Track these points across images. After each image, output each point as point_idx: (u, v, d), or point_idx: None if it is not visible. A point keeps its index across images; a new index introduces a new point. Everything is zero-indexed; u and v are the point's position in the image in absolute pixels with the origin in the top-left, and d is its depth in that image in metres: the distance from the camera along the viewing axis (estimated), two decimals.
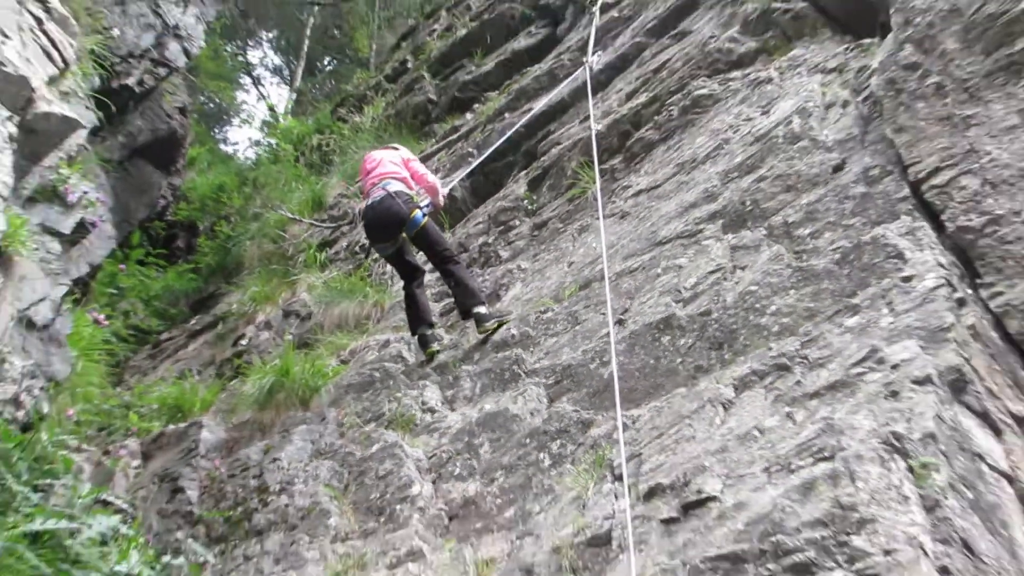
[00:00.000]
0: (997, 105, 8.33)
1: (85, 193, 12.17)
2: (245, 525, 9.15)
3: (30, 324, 10.60)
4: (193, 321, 15.26)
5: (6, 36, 9.14)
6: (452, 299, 10.62)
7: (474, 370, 9.64)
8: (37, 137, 9.81)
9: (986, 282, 7.72)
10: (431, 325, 10.51)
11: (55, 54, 10.09)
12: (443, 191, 11.63)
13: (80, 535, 8.24)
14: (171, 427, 10.97)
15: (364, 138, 16.41)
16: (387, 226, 10.46)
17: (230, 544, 9.04)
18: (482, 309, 10.15)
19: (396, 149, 11.48)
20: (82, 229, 12.28)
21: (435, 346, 10.36)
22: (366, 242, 12.05)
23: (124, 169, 16.87)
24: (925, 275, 7.43)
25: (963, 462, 6.07)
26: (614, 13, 14.14)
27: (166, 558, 8.71)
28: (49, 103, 9.72)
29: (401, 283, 11.03)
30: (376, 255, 11.63)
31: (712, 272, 8.66)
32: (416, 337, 10.54)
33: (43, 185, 11.30)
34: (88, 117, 10.79)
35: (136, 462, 10.51)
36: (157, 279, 16.51)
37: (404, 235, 10.49)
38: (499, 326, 10.03)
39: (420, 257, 11.22)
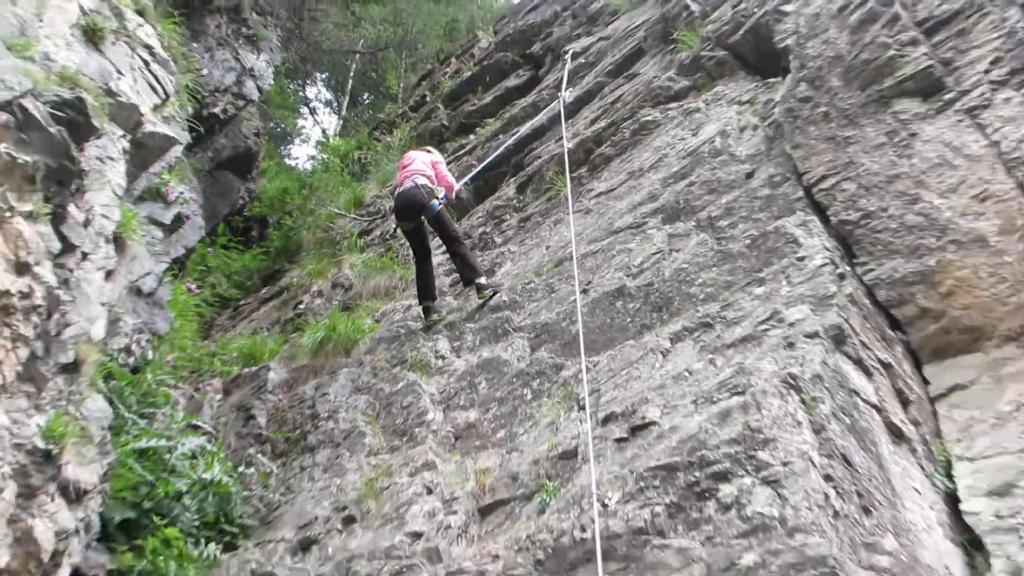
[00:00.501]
0: (869, 128, 8.47)
1: (181, 193, 12.23)
2: (301, 443, 9.28)
3: (139, 292, 10.69)
4: (263, 291, 15.27)
5: (120, 73, 9.26)
6: (458, 275, 10.68)
7: (474, 327, 9.77)
8: (144, 151, 9.89)
9: (860, 261, 7.88)
10: (434, 299, 10.54)
11: (158, 88, 10.18)
12: (457, 187, 11.69)
13: (175, 451, 8.39)
14: (246, 370, 11.06)
15: (393, 154, 16.49)
16: (411, 209, 10.54)
17: (289, 458, 9.19)
18: (481, 280, 10.27)
19: (429, 152, 11.56)
20: (179, 221, 12.35)
21: (434, 316, 10.43)
22: (394, 221, 12.06)
23: (211, 176, 16.97)
24: (814, 256, 7.58)
25: (842, 397, 6.23)
26: (581, 59, 14.20)
27: (241, 468, 8.87)
28: (154, 124, 9.81)
29: (416, 261, 11.01)
30: (401, 238, 11.59)
31: (654, 254, 8.80)
32: (421, 307, 10.58)
33: (149, 187, 11.38)
34: (184, 136, 10.88)
35: (219, 396, 10.62)
36: (236, 259, 16.54)
37: (423, 218, 10.53)
38: (493, 294, 10.15)
39: (434, 242, 11.24)
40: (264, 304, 14.33)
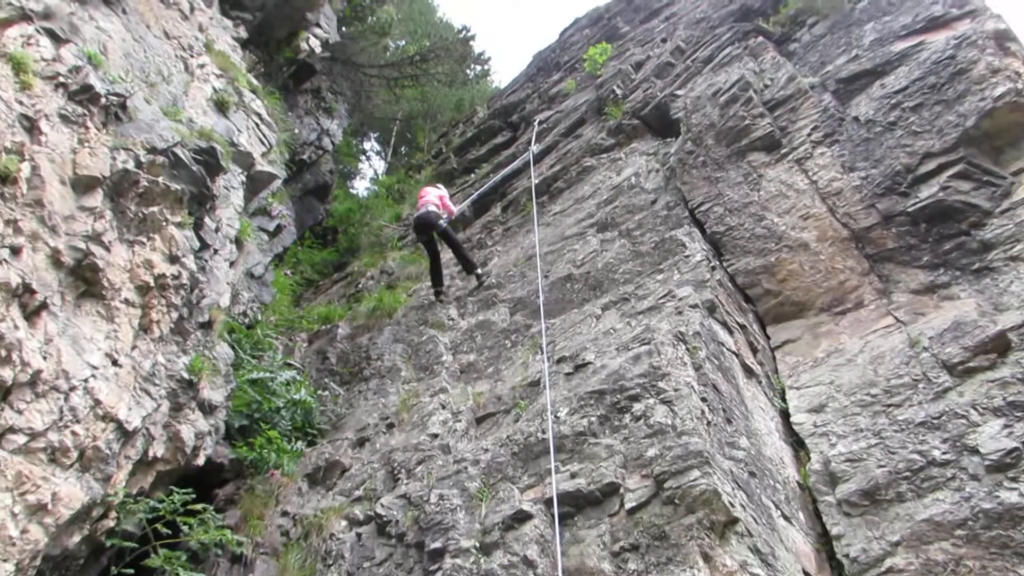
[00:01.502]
0: (732, 171, 8.48)
1: (280, 211, 12.14)
2: (359, 376, 9.24)
3: (252, 275, 10.61)
4: (334, 275, 15.16)
5: (239, 131, 9.17)
6: (461, 267, 10.58)
7: (473, 299, 9.73)
8: (255, 183, 9.79)
9: (726, 258, 7.88)
10: (441, 284, 10.39)
11: (264, 141, 10.07)
12: (456, 211, 11.61)
13: (276, 380, 8.30)
14: (323, 327, 10.97)
15: (421, 185, 16.39)
16: (423, 227, 10.45)
17: (351, 385, 9.14)
18: (478, 270, 10.20)
19: (437, 188, 11.46)
20: (279, 229, 12.25)
21: (441, 296, 10.28)
22: (413, 235, 12.01)
23: (300, 200, 16.83)
24: (696, 254, 7.56)
25: (714, 346, 6.21)
26: (545, 125, 14.11)
27: (319, 392, 8.80)
28: (262, 165, 9.71)
29: (429, 261, 10.92)
30: (419, 243, 11.54)
31: (591, 252, 8.78)
32: (433, 290, 10.45)
33: (259, 206, 11.28)
34: (282, 173, 10.77)
35: (305, 344, 10.54)
36: (317, 254, 16.41)
37: (434, 233, 10.45)
38: (486, 278, 10.06)
39: (443, 249, 11.14)
40: (335, 284, 14.25)
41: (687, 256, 7.58)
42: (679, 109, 10.10)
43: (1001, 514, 4.66)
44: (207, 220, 7.50)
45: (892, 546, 4.86)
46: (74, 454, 5.15)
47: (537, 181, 11.77)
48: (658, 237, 8.21)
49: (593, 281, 8.21)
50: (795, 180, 7.93)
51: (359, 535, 5.80)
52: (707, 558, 4.25)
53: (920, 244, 6.96)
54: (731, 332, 6.77)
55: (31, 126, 5.65)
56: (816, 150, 7.99)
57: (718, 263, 7.69)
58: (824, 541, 5.24)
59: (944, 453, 5.14)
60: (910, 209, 7.06)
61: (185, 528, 5.58)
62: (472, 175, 15.69)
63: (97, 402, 5.39)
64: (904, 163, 7.26)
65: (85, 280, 5.71)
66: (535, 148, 13.28)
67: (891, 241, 7.12)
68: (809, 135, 8.16)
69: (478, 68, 27.33)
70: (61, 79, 6.07)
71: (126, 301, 6.01)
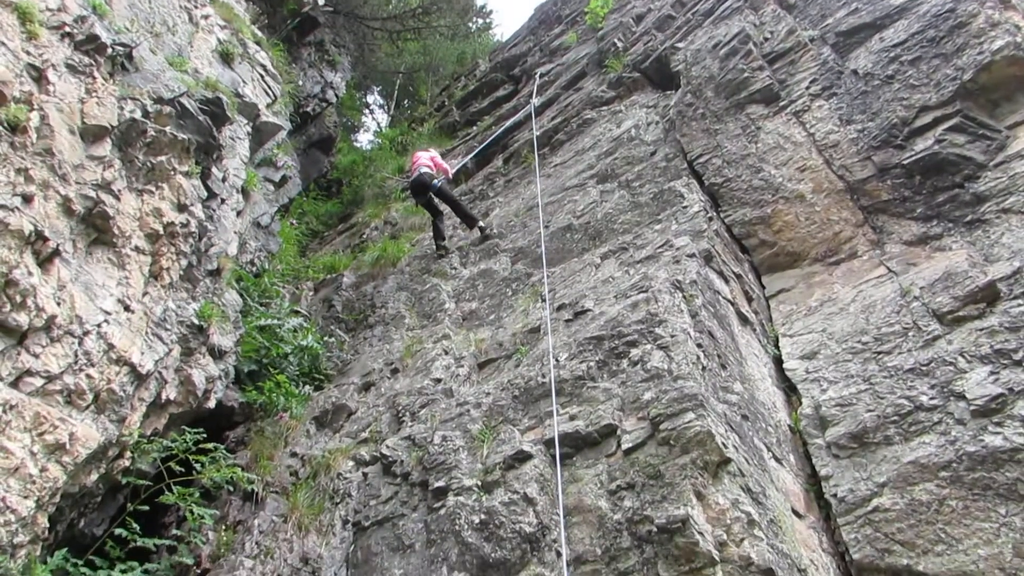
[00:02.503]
0: (731, 124, 8.39)
1: (285, 162, 12.06)
2: (364, 323, 9.27)
3: (259, 225, 10.57)
4: (339, 226, 15.08)
5: (244, 82, 9.09)
6: (462, 222, 10.50)
7: (476, 250, 9.71)
8: (261, 133, 9.72)
9: (723, 209, 7.83)
10: (443, 238, 10.31)
11: (269, 92, 9.97)
12: (451, 171, 11.47)
13: (283, 327, 8.33)
14: (329, 276, 10.96)
15: (423, 139, 16.20)
16: (420, 189, 10.37)
17: (356, 332, 9.18)
18: (480, 223, 10.13)
19: (427, 150, 11.35)
20: (284, 180, 12.19)
21: (442, 251, 10.21)
22: (411, 198, 11.86)
23: (305, 153, 16.66)
24: (693, 205, 7.51)
25: (710, 294, 6.20)
26: (546, 78, 13.92)
27: (325, 338, 8.83)
28: (267, 116, 9.63)
29: (431, 219, 10.81)
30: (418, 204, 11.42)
31: (591, 203, 8.73)
32: (435, 245, 10.38)
33: (265, 157, 11.20)
34: (286, 124, 10.69)
35: (311, 293, 10.55)
36: (322, 206, 16.31)
37: (431, 193, 10.35)
38: (489, 231, 10.02)
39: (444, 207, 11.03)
40: (340, 235, 14.20)
41: (685, 207, 7.55)
42: (679, 62, 9.95)
43: (984, 457, 4.71)
44: (214, 170, 7.45)
45: (879, 487, 4.93)
46: (89, 396, 5.20)
47: (538, 133, 11.67)
48: (657, 188, 8.16)
49: (593, 231, 8.18)
50: (793, 132, 7.87)
51: (365, 475, 5.88)
52: (700, 496, 4.31)
53: (914, 196, 6.93)
54: (727, 281, 6.78)
55: (39, 76, 5.58)
56: (814, 103, 7.90)
57: (715, 214, 7.66)
58: (813, 482, 5.31)
59: (931, 399, 5.18)
60: (905, 162, 7.02)
61: (197, 467, 5.66)
62: (474, 128, 15.55)
63: (111, 346, 5.42)
64: (901, 116, 7.18)
65: (96, 228, 5.70)
66: (536, 101, 13.14)
67: (885, 193, 7.09)
68: (807, 88, 8.06)
69: (480, 21, 26.91)
70: (67, 29, 5.98)
71: (136, 249, 6.00)
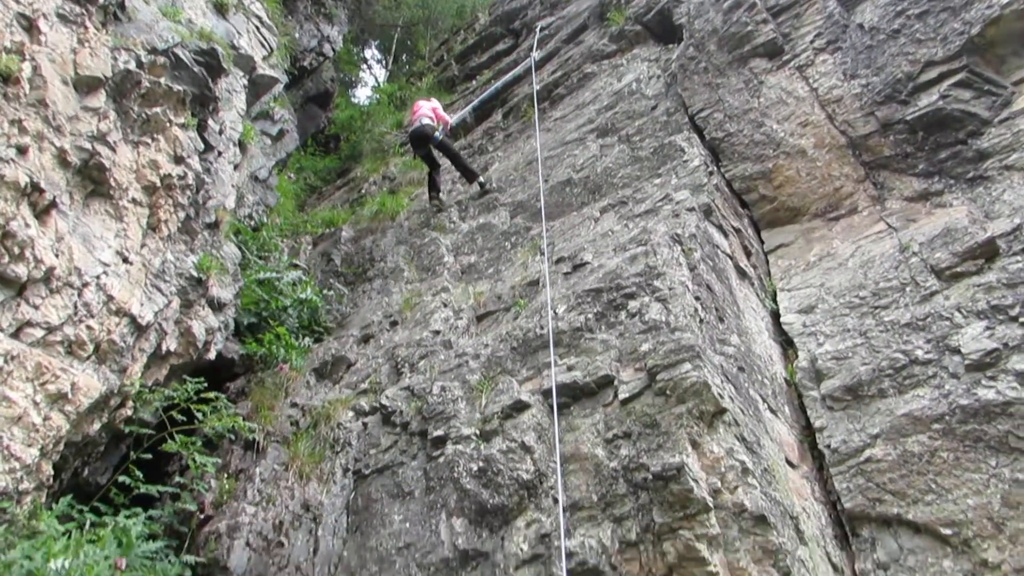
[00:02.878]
0: (733, 78, 8.32)
1: (282, 115, 11.94)
2: (363, 276, 9.27)
3: (256, 178, 10.53)
4: (338, 181, 15.00)
5: (240, 34, 8.95)
6: (462, 176, 10.41)
7: (475, 204, 9.66)
8: (257, 86, 9.60)
9: (723, 164, 7.81)
10: (439, 192, 10.18)
11: (265, 45, 9.83)
12: (452, 122, 11.31)
13: (282, 280, 8.34)
14: (327, 230, 10.90)
15: (421, 93, 16.01)
16: (420, 140, 10.24)
17: (355, 285, 9.18)
18: (480, 178, 10.04)
19: (429, 100, 11.18)
20: (281, 134, 12.08)
21: (436, 204, 10.11)
22: (410, 149, 11.69)
23: (302, 108, 16.50)
24: (694, 159, 7.48)
25: (708, 248, 6.22)
26: (547, 32, 13.71)
27: (324, 292, 8.83)
28: (263, 69, 9.51)
29: (428, 172, 10.70)
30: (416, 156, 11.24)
31: (590, 157, 8.67)
32: (429, 199, 10.28)
33: (262, 110, 11.10)
34: (283, 77, 10.53)
35: (310, 247, 10.51)
36: (319, 161, 16.20)
37: (431, 145, 10.24)
38: (489, 185, 9.94)
39: (442, 160, 10.93)
40: (338, 190, 14.11)
41: (685, 161, 7.51)
42: (682, 15, 9.81)
43: (977, 410, 4.77)
44: (210, 122, 7.40)
45: (872, 438, 5.00)
46: (90, 347, 5.24)
47: (538, 87, 11.54)
48: (657, 142, 8.11)
49: (592, 185, 8.15)
50: (796, 87, 7.80)
51: (365, 424, 5.96)
52: (695, 445, 4.38)
53: (916, 152, 6.91)
54: (726, 235, 6.78)
55: (29, 25, 5.51)
56: (818, 57, 7.82)
57: (716, 168, 7.63)
58: (807, 433, 5.38)
59: (927, 353, 5.23)
60: (909, 117, 6.97)
61: (199, 416, 5.73)
62: (473, 82, 15.36)
63: (110, 298, 5.45)
64: (905, 71, 7.11)
65: (92, 180, 5.68)
66: (536, 55, 12.96)
67: (888, 149, 7.06)
68: (812, 42, 7.96)
69: None
70: None
71: (133, 201, 5.99)
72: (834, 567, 4.50)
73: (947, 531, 4.42)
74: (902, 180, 6.91)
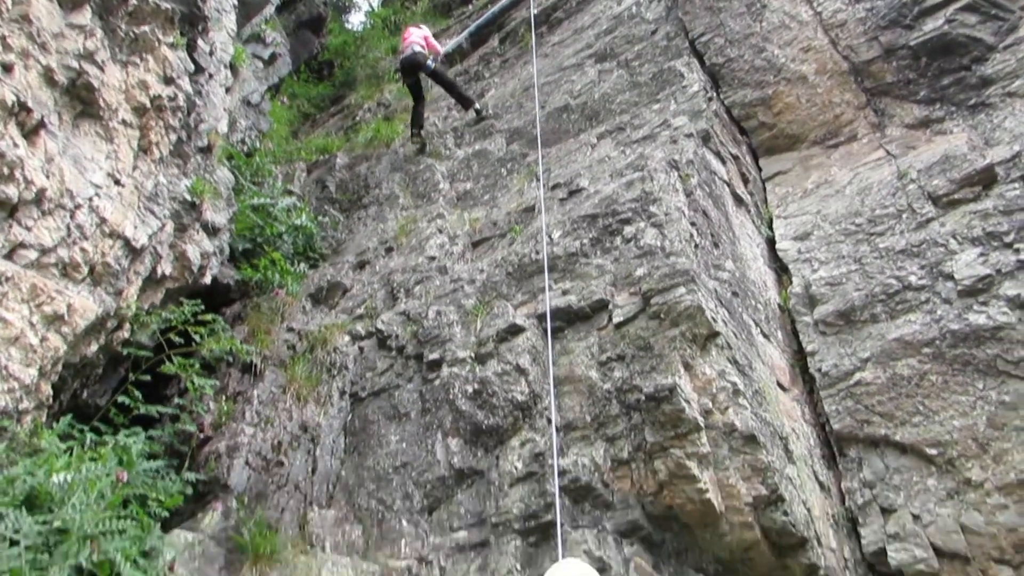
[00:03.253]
0: (735, 2, 8.24)
1: (274, 38, 11.66)
2: (358, 203, 9.21)
3: (248, 103, 10.32)
4: (332, 108, 14.74)
5: None
6: (457, 103, 10.19)
7: (471, 131, 9.53)
8: (247, 7, 9.40)
9: (723, 90, 7.71)
10: (421, 127, 9.99)
11: None
12: (442, 51, 11.02)
13: (276, 206, 8.26)
14: (322, 157, 10.74)
15: (416, 17, 15.61)
16: (411, 68, 9.99)
17: (350, 212, 9.13)
18: (476, 105, 9.85)
19: (420, 28, 10.87)
20: (273, 57, 11.81)
21: (416, 141, 9.87)
22: (399, 77, 11.37)
23: (295, 33, 16.04)
24: (693, 85, 7.37)
25: (706, 174, 6.19)
26: None
27: (319, 218, 8.77)
28: None
29: (413, 103, 10.46)
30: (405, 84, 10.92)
31: (588, 82, 8.54)
32: (410, 132, 10.07)
33: (253, 33, 10.83)
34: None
35: (304, 174, 10.36)
36: (313, 88, 15.88)
37: (422, 73, 9.99)
38: (485, 112, 9.78)
39: (431, 90, 10.64)
40: (332, 117, 13.87)
41: (684, 87, 7.39)
42: None
43: (967, 335, 4.82)
44: (200, 43, 7.21)
45: (862, 362, 5.06)
46: (85, 269, 5.23)
47: (536, 12, 11.25)
48: (656, 68, 7.96)
49: (589, 111, 8.03)
50: (799, 11, 7.64)
51: (361, 348, 6.00)
52: (688, 367, 4.43)
53: (919, 79, 6.82)
54: (724, 162, 6.72)
55: None
56: None
57: (715, 95, 7.51)
58: (799, 358, 5.45)
59: (920, 279, 5.26)
60: (912, 43, 6.87)
61: (196, 338, 5.75)
62: (469, 6, 14.98)
63: (103, 220, 5.41)
64: None
65: (81, 100, 5.56)
66: None
67: (890, 75, 6.97)
68: None
69: None
70: None
71: (124, 122, 5.88)
72: (821, 485, 4.61)
73: (932, 451, 4.52)
74: (903, 107, 6.84)
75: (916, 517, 4.37)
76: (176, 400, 5.62)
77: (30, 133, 5.08)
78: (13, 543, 3.39)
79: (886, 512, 4.47)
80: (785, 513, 4.00)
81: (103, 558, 3.49)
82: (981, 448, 4.43)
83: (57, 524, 3.59)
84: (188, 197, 6.38)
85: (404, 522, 4.64)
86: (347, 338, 6.17)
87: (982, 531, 4.19)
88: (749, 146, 7.40)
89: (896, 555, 4.29)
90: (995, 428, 4.45)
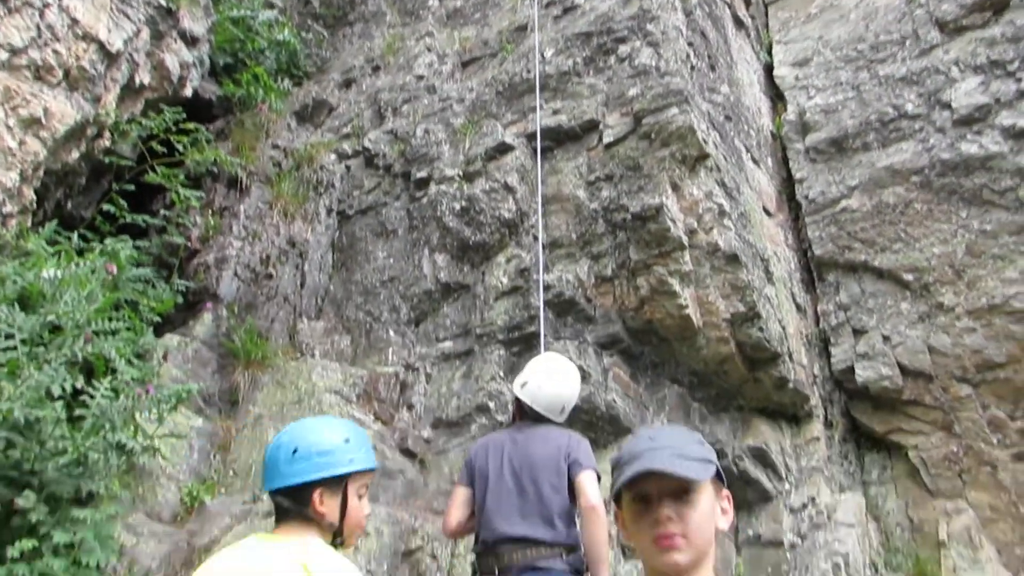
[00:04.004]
0: None
1: None
2: (343, 20, 8.62)
3: None
4: None
5: None
6: None
7: None
8: None
9: None
10: None
11: None
12: None
13: (257, 20, 7.78)
14: None
15: None
16: None
17: (335, 29, 8.53)
18: None
19: None
20: None
21: None
22: None
23: None
24: None
25: None
26: None
27: (303, 34, 8.30)
28: None
29: None
30: None
31: None
32: None
33: None
34: None
35: None
36: None
37: None
38: None
39: None
40: None
41: None
42: None
43: (957, 164, 4.81)
44: None
45: (849, 189, 5.06)
46: (59, 72, 5.03)
47: None
48: None
49: None
50: None
51: (348, 167, 5.92)
52: (675, 187, 4.41)
53: None
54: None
55: None
56: None
57: None
58: (787, 185, 5.44)
59: (916, 107, 5.16)
60: None
61: (179, 147, 5.62)
62: None
63: (74, 21, 5.14)
64: None
65: None
66: None
67: None
68: None
69: None
70: None
71: None
72: (798, 307, 4.74)
73: (909, 276, 4.62)
74: None
75: (886, 338, 4.53)
76: (163, 212, 5.57)
77: None
78: (8, 336, 3.46)
79: (858, 333, 4.63)
80: (761, 329, 4.13)
81: (97, 350, 3.58)
82: (956, 274, 4.53)
83: (51, 319, 3.65)
84: (164, 3, 6.04)
85: (391, 332, 4.77)
86: (333, 156, 6.06)
87: (948, 352, 4.36)
88: None
89: (863, 372, 4.48)
90: (973, 255, 4.53)
